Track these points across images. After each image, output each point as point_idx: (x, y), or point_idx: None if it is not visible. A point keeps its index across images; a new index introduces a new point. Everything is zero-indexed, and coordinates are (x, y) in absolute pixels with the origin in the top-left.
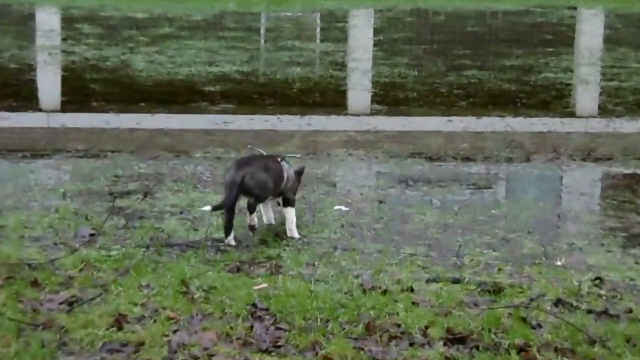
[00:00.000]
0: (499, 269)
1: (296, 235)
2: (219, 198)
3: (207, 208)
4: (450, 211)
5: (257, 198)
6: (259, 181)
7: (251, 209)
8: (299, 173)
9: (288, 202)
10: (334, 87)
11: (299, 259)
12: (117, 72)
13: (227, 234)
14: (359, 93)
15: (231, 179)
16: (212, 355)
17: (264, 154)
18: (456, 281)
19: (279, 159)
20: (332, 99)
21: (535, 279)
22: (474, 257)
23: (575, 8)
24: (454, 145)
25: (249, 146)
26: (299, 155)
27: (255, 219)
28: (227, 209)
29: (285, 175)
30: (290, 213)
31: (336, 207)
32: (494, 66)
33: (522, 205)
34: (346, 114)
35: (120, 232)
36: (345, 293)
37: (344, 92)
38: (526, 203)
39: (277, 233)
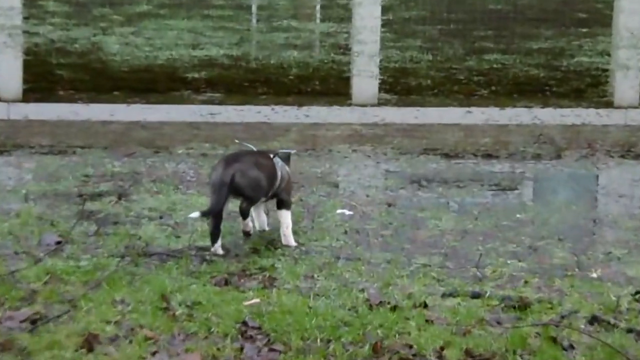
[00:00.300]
0: (526, 282)
1: (293, 243)
2: (204, 200)
3: (196, 215)
4: (469, 215)
5: (249, 200)
6: (251, 180)
7: (244, 213)
8: (285, 159)
9: (283, 204)
10: (336, 74)
11: (295, 270)
12: (88, 56)
13: (214, 241)
14: (364, 80)
15: (219, 178)
16: None
17: (254, 149)
18: (476, 296)
19: (271, 156)
20: (334, 87)
21: (567, 293)
22: (497, 268)
23: None
24: (474, 140)
25: (237, 141)
26: (293, 152)
27: (250, 224)
28: (215, 212)
29: (279, 173)
30: (286, 217)
31: (339, 211)
32: (520, 49)
33: (551, 208)
34: (350, 105)
35: (91, 239)
36: (349, 309)
37: (348, 80)
38: (557, 206)
39: (271, 240)
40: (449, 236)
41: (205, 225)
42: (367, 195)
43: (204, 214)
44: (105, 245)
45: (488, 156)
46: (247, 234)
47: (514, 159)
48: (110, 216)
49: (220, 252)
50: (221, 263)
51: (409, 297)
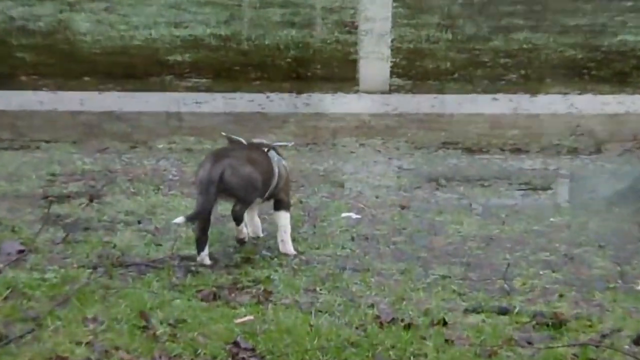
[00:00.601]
0: (561, 296)
1: (292, 250)
2: (189, 203)
3: (180, 220)
4: (495, 219)
5: (242, 201)
6: (243, 178)
7: (237, 217)
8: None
9: (281, 206)
10: (340, 56)
11: (295, 282)
12: (53, 36)
13: (200, 249)
14: (374, 63)
15: (206, 176)
16: None
17: (245, 143)
18: (503, 311)
19: (266, 150)
20: (339, 71)
21: (608, 309)
22: (527, 280)
23: None
24: (501, 132)
25: (224, 134)
26: (291, 144)
27: (245, 231)
28: (202, 216)
29: (276, 170)
30: (284, 220)
31: (344, 215)
32: (554, 27)
33: (590, 211)
34: (357, 92)
35: (59, 248)
36: (357, 328)
37: (355, 63)
38: (596, 208)
39: (266, 248)
40: (471, 243)
41: (190, 231)
42: (377, 196)
43: (189, 218)
44: (75, 254)
45: (517, 150)
46: (241, 241)
47: (546, 153)
48: (81, 221)
49: (208, 262)
50: (209, 275)
51: (426, 314)
